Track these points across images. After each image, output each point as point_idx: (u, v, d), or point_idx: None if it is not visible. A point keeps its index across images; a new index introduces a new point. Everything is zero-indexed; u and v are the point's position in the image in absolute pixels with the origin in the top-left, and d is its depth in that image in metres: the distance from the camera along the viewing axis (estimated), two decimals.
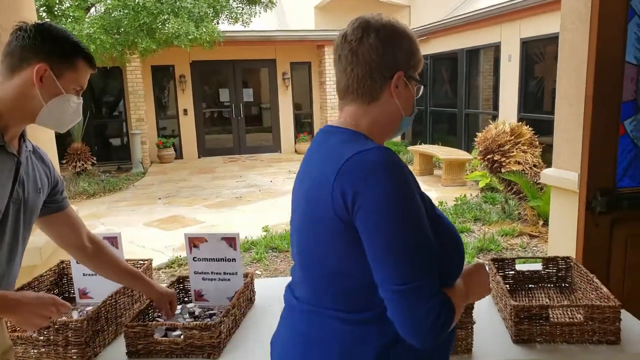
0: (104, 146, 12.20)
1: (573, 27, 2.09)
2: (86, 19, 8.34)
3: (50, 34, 1.22)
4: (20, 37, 1.19)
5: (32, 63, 1.18)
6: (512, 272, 1.84)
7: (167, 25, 7.96)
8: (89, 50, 1.28)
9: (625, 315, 1.49)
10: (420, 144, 10.66)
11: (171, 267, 4.84)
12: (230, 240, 1.73)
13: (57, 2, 8.22)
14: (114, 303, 1.59)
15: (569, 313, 1.55)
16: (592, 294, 1.61)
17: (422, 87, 1.13)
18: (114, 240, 1.76)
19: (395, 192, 0.91)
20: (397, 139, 13.33)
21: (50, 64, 1.20)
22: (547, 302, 1.70)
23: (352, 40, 1.04)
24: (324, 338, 1.01)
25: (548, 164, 2.40)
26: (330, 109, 12.25)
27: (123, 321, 1.62)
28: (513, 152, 6.05)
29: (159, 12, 7.88)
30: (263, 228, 5.82)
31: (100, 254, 1.50)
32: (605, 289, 1.53)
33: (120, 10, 8.32)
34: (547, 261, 1.85)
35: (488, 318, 1.59)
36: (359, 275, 0.96)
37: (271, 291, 1.92)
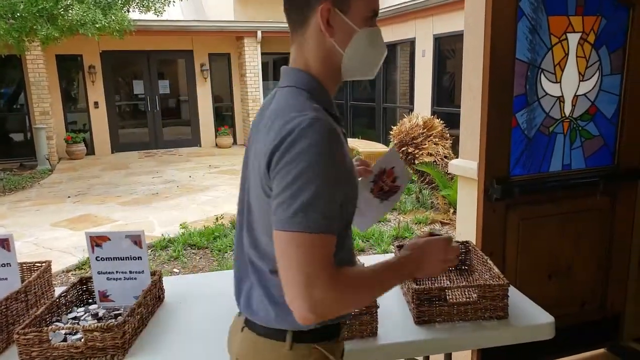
0: (3, 142, 11.24)
1: (474, 23, 2.21)
2: None
3: None
4: None
5: (314, 7, 1.00)
6: None
7: (70, 11, 7.40)
8: None
9: (513, 291, 1.62)
10: None
11: (82, 268, 4.56)
12: (135, 238, 1.66)
13: None
14: (3, 310, 1.48)
15: (466, 293, 1.65)
16: (486, 275, 1.73)
17: None
18: (5, 242, 1.62)
19: None
20: None
21: (332, 0, 1.00)
22: (447, 284, 1.81)
23: None
24: None
25: (458, 155, 2.53)
26: (252, 101, 12.11)
27: (16, 328, 1.51)
28: (425, 144, 6.34)
29: None
30: (181, 225, 5.65)
31: None
32: (496, 269, 1.65)
33: None
34: None
35: (393, 302, 1.66)
36: None
37: (183, 288, 1.88)
